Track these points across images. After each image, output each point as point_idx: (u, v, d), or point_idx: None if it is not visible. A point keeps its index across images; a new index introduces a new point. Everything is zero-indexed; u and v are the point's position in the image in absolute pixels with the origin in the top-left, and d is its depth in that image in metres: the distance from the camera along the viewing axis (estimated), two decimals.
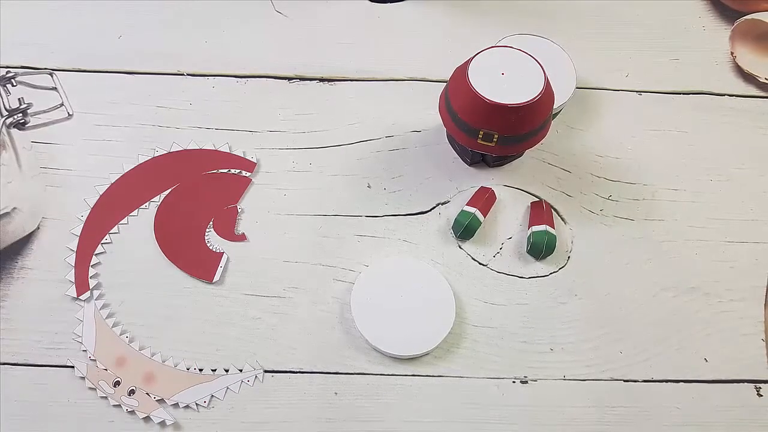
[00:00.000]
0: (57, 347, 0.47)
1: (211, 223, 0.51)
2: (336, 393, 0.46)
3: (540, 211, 0.52)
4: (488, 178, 0.55)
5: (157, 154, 0.54)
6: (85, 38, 0.61)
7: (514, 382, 0.47)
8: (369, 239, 0.52)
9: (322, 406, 0.46)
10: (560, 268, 0.51)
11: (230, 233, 0.51)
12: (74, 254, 0.50)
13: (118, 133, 0.56)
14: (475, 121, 0.47)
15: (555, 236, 0.51)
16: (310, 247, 0.51)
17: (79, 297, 0.48)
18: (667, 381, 0.48)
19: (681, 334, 0.49)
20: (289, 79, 0.60)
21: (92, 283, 0.49)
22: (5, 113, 0.56)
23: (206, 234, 0.51)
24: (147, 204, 0.52)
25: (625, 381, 0.47)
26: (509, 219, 0.53)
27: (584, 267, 0.51)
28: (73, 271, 0.49)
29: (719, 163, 0.56)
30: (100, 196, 0.52)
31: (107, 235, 0.51)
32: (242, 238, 0.51)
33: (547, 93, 0.47)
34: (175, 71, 0.59)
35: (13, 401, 0.45)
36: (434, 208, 0.54)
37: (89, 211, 0.51)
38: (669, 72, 0.61)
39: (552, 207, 0.54)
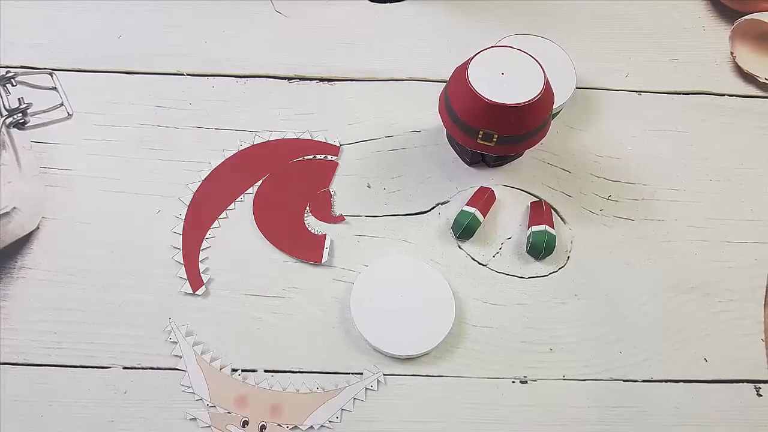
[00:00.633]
0: (57, 347, 0.47)
1: (307, 207, 0.52)
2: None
3: (540, 211, 0.52)
4: (488, 178, 0.55)
5: (241, 148, 0.55)
6: (85, 38, 0.61)
7: (513, 382, 0.47)
8: (369, 239, 0.52)
9: None
10: (560, 268, 0.51)
11: (328, 215, 0.52)
12: (180, 252, 0.50)
13: (118, 133, 0.56)
14: (474, 121, 0.47)
15: (555, 236, 0.51)
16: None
17: (196, 292, 0.49)
18: (666, 381, 0.48)
19: (681, 334, 0.49)
20: (289, 79, 0.60)
21: (205, 278, 0.49)
22: (5, 113, 0.56)
23: (305, 218, 0.52)
24: (242, 196, 0.53)
25: (624, 381, 0.47)
26: (509, 219, 0.53)
27: (584, 267, 0.51)
28: (183, 268, 0.50)
29: (719, 163, 0.56)
30: (195, 192, 0.53)
31: (210, 230, 0.51)
32: (341, 219, 0.52)
33: (547, 93, 0.47)
34: (175, 71, 0.59)
35: (12, 401, 0.45)
36: (434, 208, 0.54)
37: (186, 208, 0.52)
38: (669, 72, 0.61)
39: (552, 207, 0.53)
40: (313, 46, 0.61)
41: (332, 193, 0.53)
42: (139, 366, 0.47)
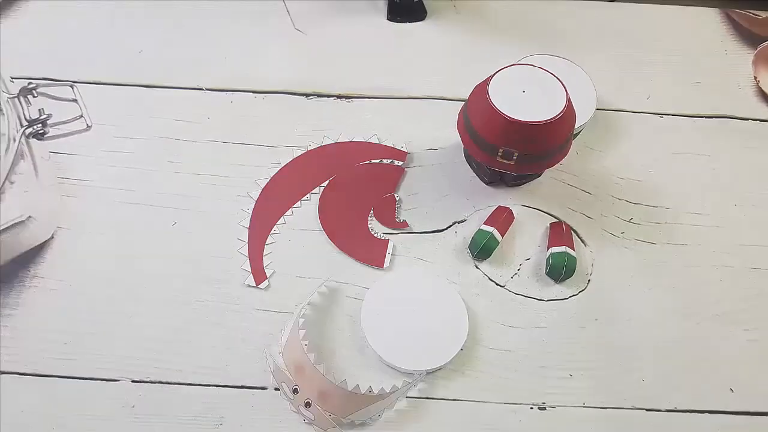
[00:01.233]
0: (66, 358, 0.46)
1: (371, 211, 0.52)
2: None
3: (559, 232, 0.51)
4: (506, 198, 0.54)
5: (310, 148, 0.56)
6: (107, 53, 0.61)
7: (531, 408, 0.46)
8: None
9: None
10: (580, 291, 0.50)
11: (392, 221, 0.52)
12: (246, 245, 0.51)
13: (136, 145, 0.56)
14: (494, 138, 0.47)
15: (575, 258, 0.50)
16: (322, 262, 0.51)
17: (259, 285, 0.49)
18: (691, 411, 0.46)
19: (705, 362, 0.47)
20: (307, 95, 0.59)
21: (268, 272, 0.50)
22: (25, 123, 0.56)
23: (369, 222, 0.52)
24: (308, 195, 0.53)
25: (647, 410, 0.46)
26: (527, 240, 0.52)
27: (605, 291, 0.50)
28: (248, 261, 0.50)
29: (743, 188, 0.55)
30: (262, 189, 0.53)
31: (275, 226, 0.52)
32: (404, 225, 0.52)
33: (569, 111, 0.46)
34: (194, 86, 0.60)
35: (19, 411, 0.44)
36: (451, 226, 0.53)
37: (254, 203, 0.53)
38: (691, 95, 0.60)
39: (572, 228, 0.52)
40: (332, 63, 0.61)
41: (397, 198, 0.53)
42: (148, 380, 0.46)
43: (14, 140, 0.52)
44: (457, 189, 0.55)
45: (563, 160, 0.50)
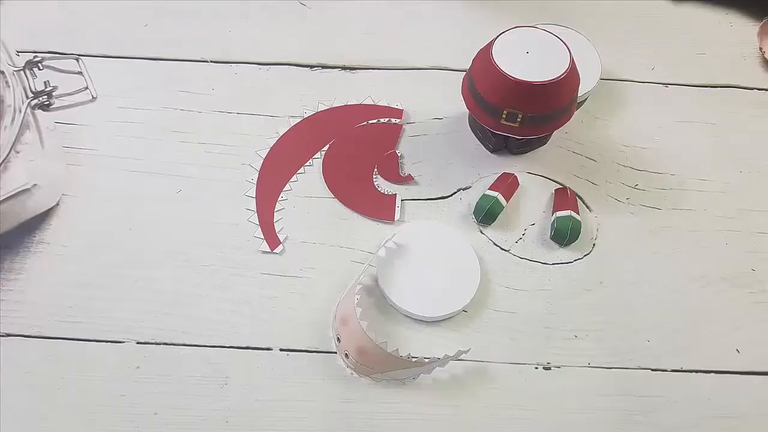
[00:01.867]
0: (72, 320, 0.46)
1: (375, 169, 0.53)
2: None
3: (564, 197, 0.51)
4: (511, 166, 0.54)
5: (306, 115, 0.56)
6: (113, 26, 0.61)
7: (537, 368, 0.45)
8: (388, 222, 0.51)
9: (339, 386, 0.44)
10: (585, 255, 0.50)
11: (396, 176, 0.53)
12: (255, 213, 0.51)
13: (141, 115, 0.56)
14: (498, 100, 0.47)
15: (580, 222, 0.50)
16: (328, 228, 0.51)
17: (274, 251, 0.49)
18: (697, 371, 0.45)
19: (711, 324, 0.47)
20: (312, 66, 0.60)
21: (281, 236, 0.50)
22: (30, 95, 0.56)
23: (374, 180, 0.53)
24: (311, 161, 0.54)
25: (653, 370, 0.45)
26: (532, 205, 0.52)
27: (610, 255, 0.50)
28: (259, 229, 0.50)
29: (748, 155, 0.55)
30: (264, 158, 0.54)
31: (281, 192, 0.52)
32: (410, 179, 0.53)
33: (573, 72, 0.46)
34: (199, 58, 0.60)
35: (25, 372, 0.45)
36: (455, 193, 0.53)
37: (257, 173, 0.53)
38: (696, 66, 0.60)
39: (577, 194, 0.52)
40: (336, 35, 0.61)
41: (399, 154, 0.53)
42: (153, 341, 0.46)
43: (20, 111, 0.52)
44: (462, 157, 0.55)
45: (568, 129, 0.50)
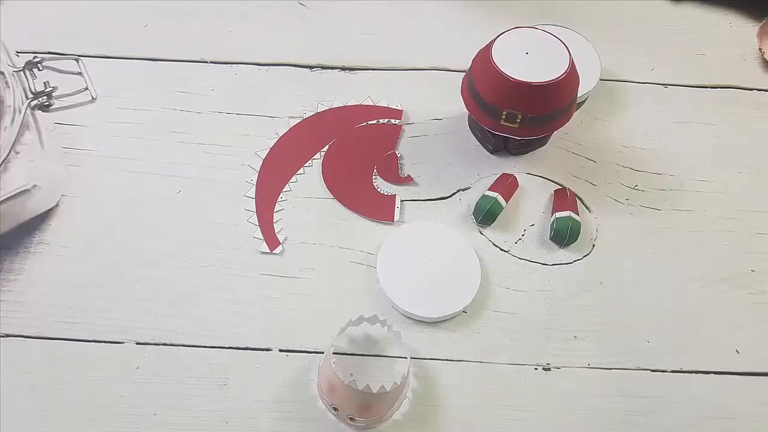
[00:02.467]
0: (72, 321, 0.46)
1: (374, 170, 0.53)
2: (351, 374, 0.45)
3: (564, 197, 0.51)
4: (510, 166, 0.54)
5: (305, 116, 0.56)
6: (112, 27, 0.61)
7: (536, 368, 0.45)
8: (388, 223, 0.51)
9: None
10: (584, 256, 0.50)
11: (396, 176, 0.53)
12: (255, 214, 0.51)
13: (140, 116, 0.56)
14: (498, 100, 0.47)
15: (579, 223, 0.50)
16: (327, 229, 0.51)
17: (273, 251, 0.49)
18: (696, 372, 0.45)
19: (711, 325, 0.47)
20: (311, 67, 0.60)
21: (281, 237, 0.50)
22: (30, 96, 0.56)
23: (374, 180, 0.52)
24: (310, 162, 0.54)
25: (652, 371, 0.45)
26: (532, 206, 0.52)
27: (609, 255, 0.50)
28: (259, 229, 0.50)
29: (748, 155, 0.55)
30: (264, 158, 0.54)
31: (281, 193, 0.52)
32: (409, 179, 0.53)
33: (572, 73, 0.46)
34: (199, 59, 0.60)
35: (25, 372, 0.45)
36: (455, 194, 0.53)
37: (257, 174, 0.53)
38: (695, 66, 0.60)
39: (576, 195, 0.52)
40: (335, 35, 0.61)
41: (398, 155, 0.53)
42: (152, 342, 0.46)
43: (20, 112, 0.52)
44: (462, 158, 0.55)
45: (567, 130, 0.50)
